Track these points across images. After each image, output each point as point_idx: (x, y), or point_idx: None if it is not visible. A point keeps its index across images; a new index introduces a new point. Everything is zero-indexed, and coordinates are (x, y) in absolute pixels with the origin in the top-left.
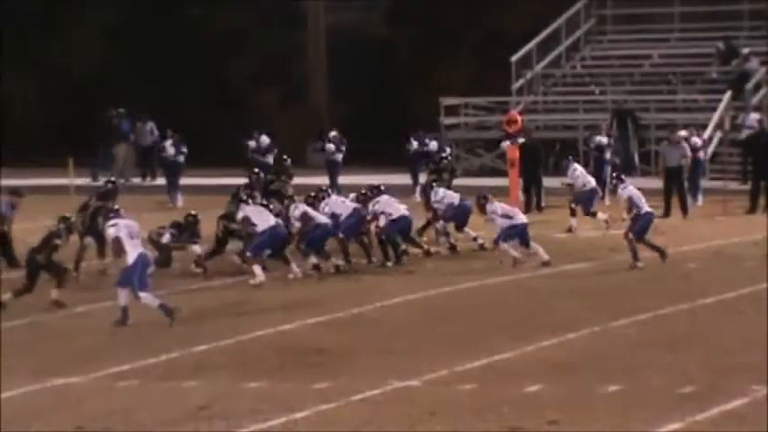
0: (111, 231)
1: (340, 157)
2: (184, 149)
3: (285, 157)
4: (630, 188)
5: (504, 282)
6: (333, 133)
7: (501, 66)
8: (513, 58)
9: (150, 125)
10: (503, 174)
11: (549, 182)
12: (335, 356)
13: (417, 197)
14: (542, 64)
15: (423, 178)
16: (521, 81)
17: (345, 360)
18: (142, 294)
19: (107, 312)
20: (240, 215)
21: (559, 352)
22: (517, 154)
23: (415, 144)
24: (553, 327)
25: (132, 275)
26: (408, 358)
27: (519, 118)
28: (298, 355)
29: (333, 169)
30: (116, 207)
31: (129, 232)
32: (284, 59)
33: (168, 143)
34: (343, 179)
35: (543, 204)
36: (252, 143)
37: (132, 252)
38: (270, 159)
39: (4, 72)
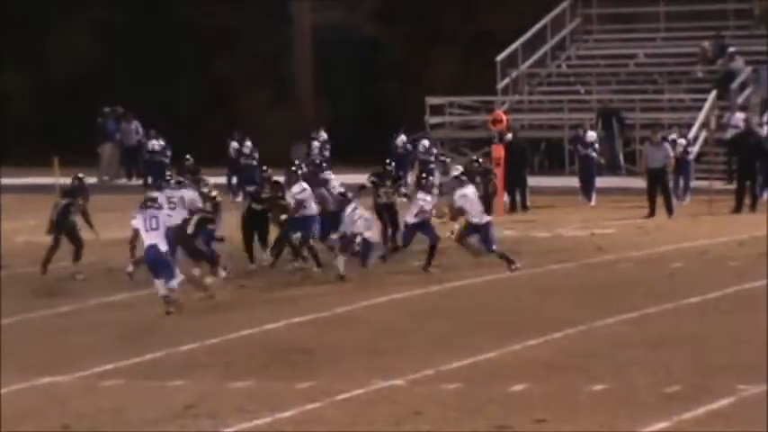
0: (132, 222)
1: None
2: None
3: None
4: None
5: (490, 281)
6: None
7: (486, 65)
8: (499, 58)
9: (135, 124)
10: None
11: (534, 181)
12: (321, 356)
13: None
14: (528, 63)
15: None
16: (506, 80)
17: (331, 359)
18: (156, 281)
19: (92, 311)
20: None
21: (546, 351)
22: (502, 153)
23: (399, 143)
24: (540, 326)
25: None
26: (394, 357)
27: (504, 117)
28: (283, 355)
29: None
30: (155, 197)
31: (146, 224)
32: (271, 59)
33: (153, 142)
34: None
35: (528, 204)
36: (234, 144)
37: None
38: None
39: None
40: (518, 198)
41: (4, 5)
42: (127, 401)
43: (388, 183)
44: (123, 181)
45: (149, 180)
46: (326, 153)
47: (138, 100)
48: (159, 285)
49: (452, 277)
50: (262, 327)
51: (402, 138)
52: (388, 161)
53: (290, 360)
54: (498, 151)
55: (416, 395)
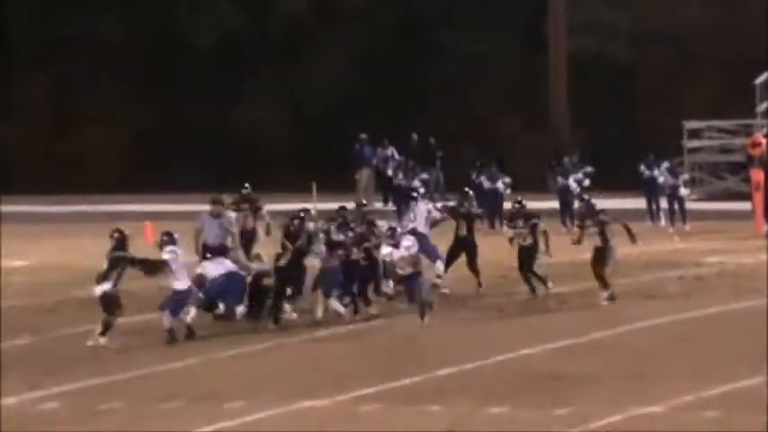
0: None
1: (571, 182)
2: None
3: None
4: None
5: (747, 307)
6: (566, 159)
7: (744, 88)
8: (757, 81)
9: (391, 150)
10: (747, 197)
11: None
12: (577, 381)
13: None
14: None
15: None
16: (765, 104)
17: (587, 385)
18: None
19: (351, 336)
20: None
21: None
22: (762, 177)
23: (644, 169)
24: None
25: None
26: (651, 383)
27: (763, 141)
28: (538, 381)
29: (563, 196)
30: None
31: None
32: (525, 85)
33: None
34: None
35: None
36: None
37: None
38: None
39: (253, 98)
40: None
41: (260, 38)
42: (384, 426)
43: None
44: (380, 206)
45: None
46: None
47: (393, 126)
48: None
49: (707, 303)
50: (517, 352)
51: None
52: None
53: (546, 386)
54: (758, 176)
55: (675, 422)
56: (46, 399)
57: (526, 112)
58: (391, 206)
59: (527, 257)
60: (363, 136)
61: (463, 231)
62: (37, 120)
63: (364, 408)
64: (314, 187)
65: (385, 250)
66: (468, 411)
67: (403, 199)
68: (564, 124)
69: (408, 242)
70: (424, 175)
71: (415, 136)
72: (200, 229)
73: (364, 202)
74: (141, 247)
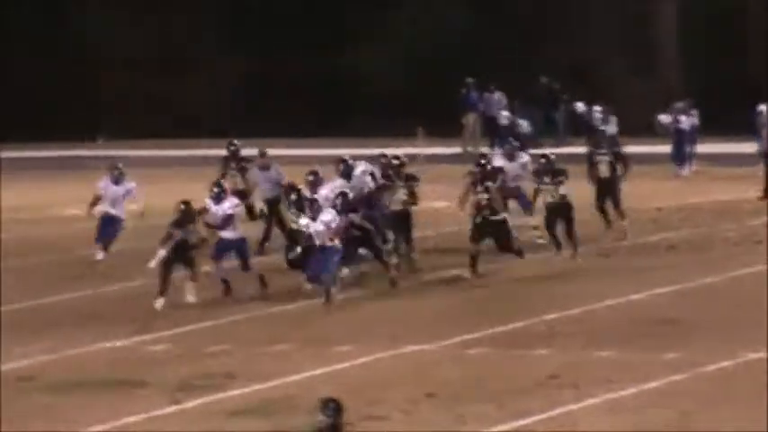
0: None
1: (687, 125)
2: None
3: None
4: None
5: None
6: (679, 104)
7: None
8: None
9: (498, 95)
10: None
11: None
12: (685, 327)
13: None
14: None
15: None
16: None
17: (695, 330)
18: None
19: (457, 281)
20: None
21: None
22: None
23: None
24: None
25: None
26: (757, 330)
27: None
28: (647, 325)
29: (679, 137)
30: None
31: None
32: (633, 27)
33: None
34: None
35: None
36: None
37: None
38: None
39: (354, 43)
40: None
41: None
42: (491, 370)
43: None
44: (486, 150)
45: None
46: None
47: (501, 70)
48: None
49: None
50: (626, 297)
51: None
52: None
53: (655, 331)
54: None
55: None
56: (156, 341)
57: (634, 55)
58: (497, 150)
59: (553, 215)
60: (470, 80)
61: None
62: (144, 64)
63: (471, 352)
64: (420, 132)
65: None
66: (576, 355)
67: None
68: (674, 68)
69: (329, 216)
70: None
71: (543, 79)
72: (255, 183)
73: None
74: None
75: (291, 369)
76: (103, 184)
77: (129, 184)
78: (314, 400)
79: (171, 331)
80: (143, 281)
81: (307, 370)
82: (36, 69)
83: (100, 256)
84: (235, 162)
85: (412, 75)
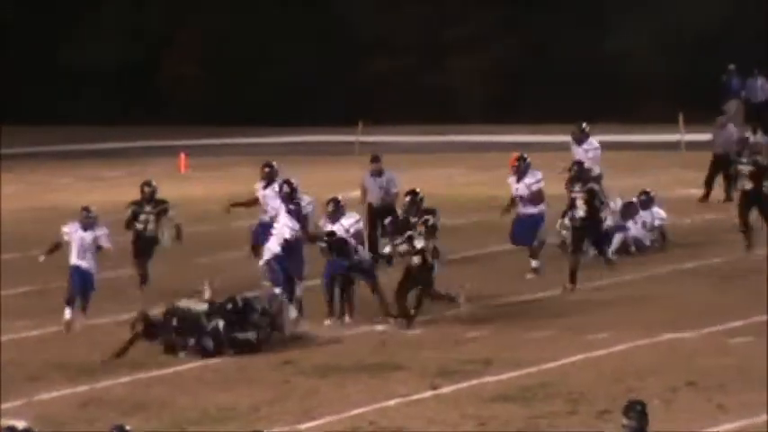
0: None
1: None
2: None
3: None
4: None
5: None
6: None
7: None
8: None
9: (761, 81)
10: None
11: None
12: None
13: None
14: None
15: None
16: None
17: None
18: None
19: (711, 267)
20: None
21: None
22: None
23: None
24: None
25: None
26: None
27: None
28: None
29: None
30: None
31: None
32: None
33: None
34: None
35: None
36: None
37: None
38: None
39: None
40: None
41: None
42: (754, 360)
43: None
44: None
45: None
46: None
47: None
48: None
49: None
50: None
51: None
52: None
53: None
54: None
55: None
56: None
57: None
58: (761, 137)
59: (580, 231)
60: (732, 67)
61: None
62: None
63: (734, 341)
64: (680, 118)
65: None
66: None
67: None
68: None
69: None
70: None
71: None
72: (366, 189)
73: None
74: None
75: (548, 356)
76: (69, 229)
77: (100, 230)
78: (571, 387)
79: (427, 317)
80: None
81: (564, 357)
82: (295, 55)
83: (68, 315)
84: None
85: (673, 59)
